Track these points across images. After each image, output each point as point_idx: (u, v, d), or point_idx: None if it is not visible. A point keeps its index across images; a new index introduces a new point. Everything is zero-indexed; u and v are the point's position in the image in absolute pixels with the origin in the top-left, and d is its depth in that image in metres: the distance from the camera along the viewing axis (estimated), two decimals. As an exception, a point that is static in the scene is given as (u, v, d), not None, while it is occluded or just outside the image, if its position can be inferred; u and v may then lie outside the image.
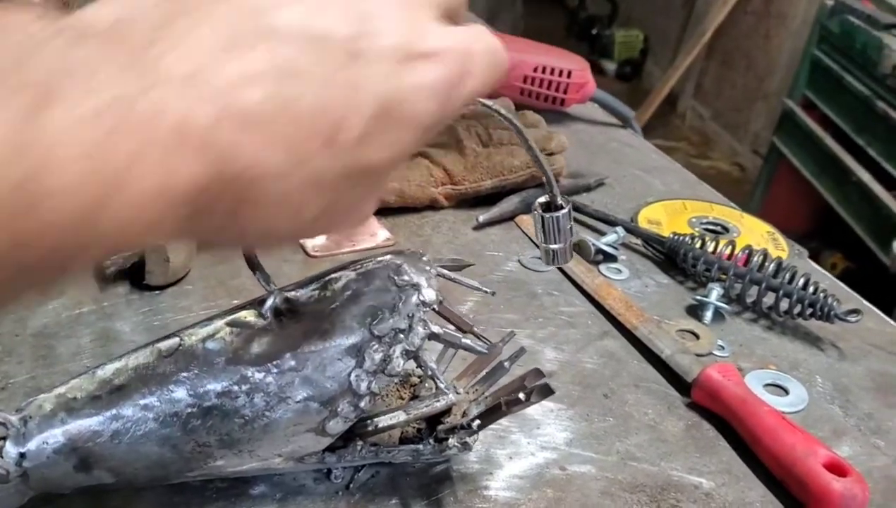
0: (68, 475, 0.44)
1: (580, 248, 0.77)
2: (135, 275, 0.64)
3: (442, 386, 0.45)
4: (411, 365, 0.45)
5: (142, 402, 0.43)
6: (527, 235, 0.80)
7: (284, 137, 0.27)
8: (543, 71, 1.03)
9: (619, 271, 0.77)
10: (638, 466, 0.55)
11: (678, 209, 0.89)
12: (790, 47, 3.17)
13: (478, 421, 0.48)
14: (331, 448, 0.47)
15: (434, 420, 0.51)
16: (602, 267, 0.77)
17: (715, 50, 3.85)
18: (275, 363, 0.44)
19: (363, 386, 0.44)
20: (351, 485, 0.50)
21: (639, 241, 0.82)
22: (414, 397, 0.53)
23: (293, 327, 0.44)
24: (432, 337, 0.45)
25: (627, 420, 0.59)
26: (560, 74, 1.03)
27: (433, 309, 0.45)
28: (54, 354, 0.57)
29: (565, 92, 1.03)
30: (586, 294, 0.72)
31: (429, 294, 0.45)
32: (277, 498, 0.48)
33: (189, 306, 0.63)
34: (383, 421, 0.49)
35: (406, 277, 0.45)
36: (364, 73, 0.29)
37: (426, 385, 0.54)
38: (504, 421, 0.57)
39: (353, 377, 0.44)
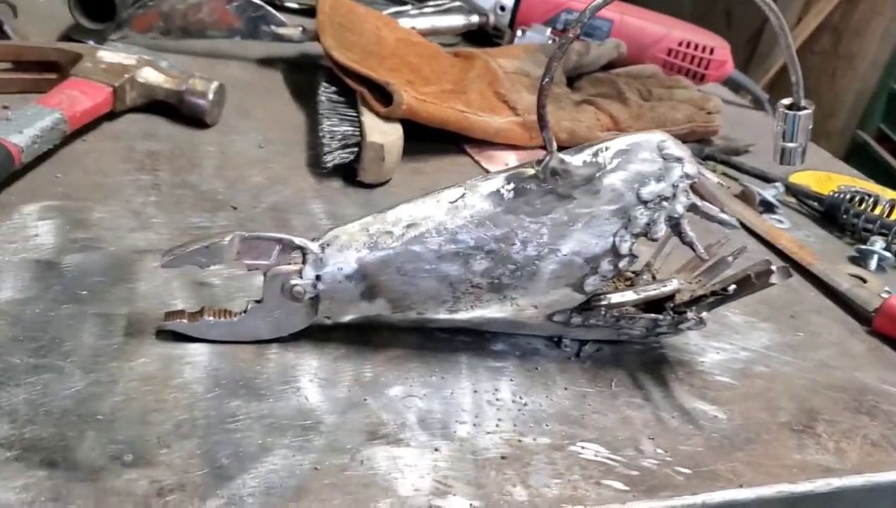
0: (353, 301, 0.48)
1: (745, 196, 0.80)
2: (348, 172, 0.69)
3: (700, 253, 0.49)
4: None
5: (429, 240, 0.47)
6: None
7: None
8: (688, 46, 1.07)
9: (781, 222, 0.80)
10: (834, 372, 0.58)
11: (824, 178, 0.92)
12: (857, 88, 3.19)
13: (718, 297, 0.51)
14: (577, 312, 0.51)
15: (656, 307, 0.54)
16: (765, 217, 0.80)
17: (778, 89, 3.87)
18: (549, 216, 0.48)
19: (625, 246, 0.48)
20: (580, 353, 0.54)
21: (793, 201, 0.85)
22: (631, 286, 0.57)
23: (566, 186, 0.48)
24: (693, 207, 0.49)
25: (815, 337, 0.62)
26: (703, 50, 1.07)
27: (692, 184, 0.49)
28: (291, 224, 0.61)
29: (706, 68, 1.07)
30: (756, 236, 0.76)
31: (691, 167, 0.49)
32: (517, 355, 0.52)
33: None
34: (615, 298, 0.53)
35: (670, 151, 0.49)
36: None
37: (643, 278, 0.57)
38: (709, 324, 0.60)
39: (617, 237, 0.48)
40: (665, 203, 0.48)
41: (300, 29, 0.87)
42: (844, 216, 0.79)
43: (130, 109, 0.72)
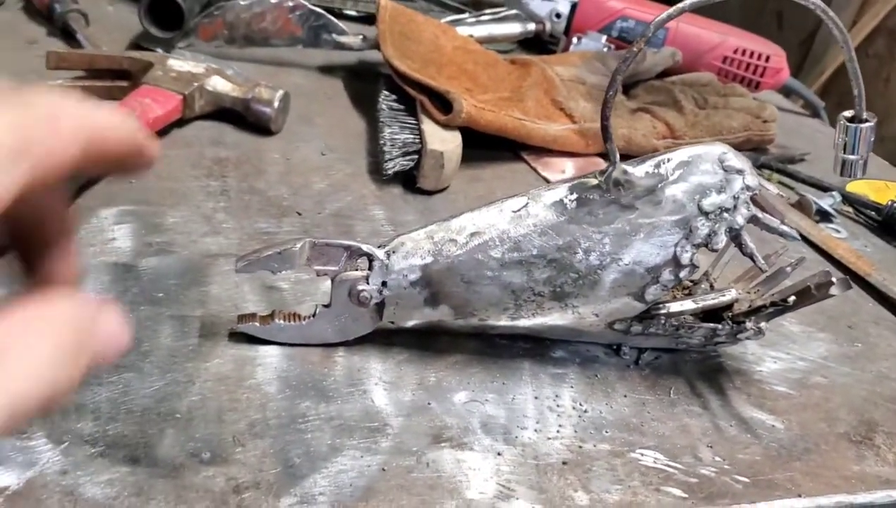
0: (417, 307, 0.49)
1: (802, 205, 0.80)
2: (407, 179, 0.70)
3: (760, 264, 0.49)
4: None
5: (492, 249, 0.48)
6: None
7: None
8: (743, 53, 1.07)
9: (838, 231, 0.80)
10: (892, 384, 0.58)
11: (881, 187, 0.91)
12: (913, 92, 3.12)
13: (778, 308, 0.52)
14: (637, 320, 0.52)
15: (714, 317, 0.55)
16: (822, 226, 0.80)
17: (830, 92, 3.81)
18: (611, 226, 0.49)
19: (686, 257, 0.49)
20: (639, 362, 0.54)
21: (850, 210, 0.85)
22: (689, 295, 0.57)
23: (629, 197, 0.49)
24: (753, 219, 0.49)
25: (874, 348, 0.62)
26: (759, 58, 1.06)
27: (753, 195, 0.49)
28: (354, 230, 0.63)
29: (762, 75, 1.07)
30: (812, 245, 0.76)
31: (752, 179, 0.49)
32: (577, 362, 0.53)
33: (458, 211, 0.69)
34: (674, 307, 0.53)
35: (731, 163, 0.49)
36: None
37: (701, 287, 0.58)
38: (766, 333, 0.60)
39: (678, 247, 0.49)
40: (726, 214, 0.49)
41: (361, 37, 0.89)
42: (904, 226, 0.79)
43: (199, 116, 0.74)
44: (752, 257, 0.49)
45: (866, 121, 0.51)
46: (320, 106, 0.83)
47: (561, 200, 0.49)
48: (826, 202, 0.81)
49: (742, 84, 1.07)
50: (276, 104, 0.73)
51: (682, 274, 0.49)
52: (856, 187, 0.90)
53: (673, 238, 0.49)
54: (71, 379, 0.23)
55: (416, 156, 0.70)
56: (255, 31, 0.87)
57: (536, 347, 0.54)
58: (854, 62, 0.50)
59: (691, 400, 0.52)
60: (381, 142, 0.71)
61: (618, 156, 0.49)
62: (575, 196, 0.49)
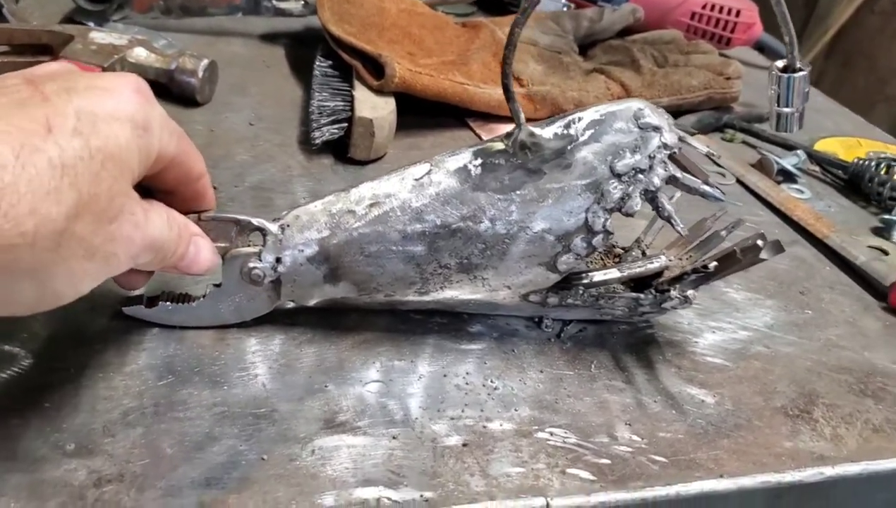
0: (316, 284, 0.46)
1: (762, 165, 0.76)
2: (339, 149, 0.67)
3: (679, 227, 0.46)
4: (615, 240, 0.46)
5: (393, 220, 0.45)
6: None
7: None
8: (712, 9, 1.02)
9: (801, 191, 0.76)
10: (841, 353, 0.55)
11: (853, 145, 0.87)
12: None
13: (700, 274, 0.48)
14: (553, 291, 0.49)
15: (644, 285, 0.51)
16: (783, 187, 0.76)
17: (836, 50, 3.71)
18: (518, 193, 0.45)
19: (599, 222, 0.46)
20: (561, 335, 0.51)
21: (817, 169, 0.81)
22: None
23: (536, 161, 0.45)
24: (671, 180, 0.46)
25: (825, 314, 0.59)
26: (729, 13, 1.02)
27: (672, 154, 0.46)
28: (273, 204, 0.60)
29: (732, 31, 1.02)
30: (770, 207, 0.72)
31: (670, 137, 0.46)
32: (494, 337, 0.50)
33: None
34: (597, 276, 0.50)
35: (648, 119, 0.46)
36: (50, 91, 0.34)
37: (632, 254, 0.55)
38: (704, 301, 0.57)
39: (590, 213, 0.46)
40: (641, 176, 0.45)
41: (301, 3, 0.85)
42: (869, 184, 0.75)
43: (123, 90, 0.71)
44: (669, 221, 0.46)
45: (800, 70, 0.47)
46: (256, 75, 0.80)
47: (465, 166, 0.46)
48: (790, 161, 0.77)
49: (712, 41, 1.03)
50: (200, 73, 0.70)
51: (596, 241, 0.46)
52: (826, 145, 0.86)
53: (584, 203, 0.46)
54: (175, 249, 0.40)
55: (345, 125, 0.66)
56: (192, 0, 0.83)
57: (453, 322, 0.51)
58: (782, 5, 0.46)
59: (614, 374, 0.49)
60: (310, 109, 0.68)
61: (522, 117, 0.45)
62: (480, 161, 0.46)
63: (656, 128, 0.46)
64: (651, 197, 0.46)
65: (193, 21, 0.85)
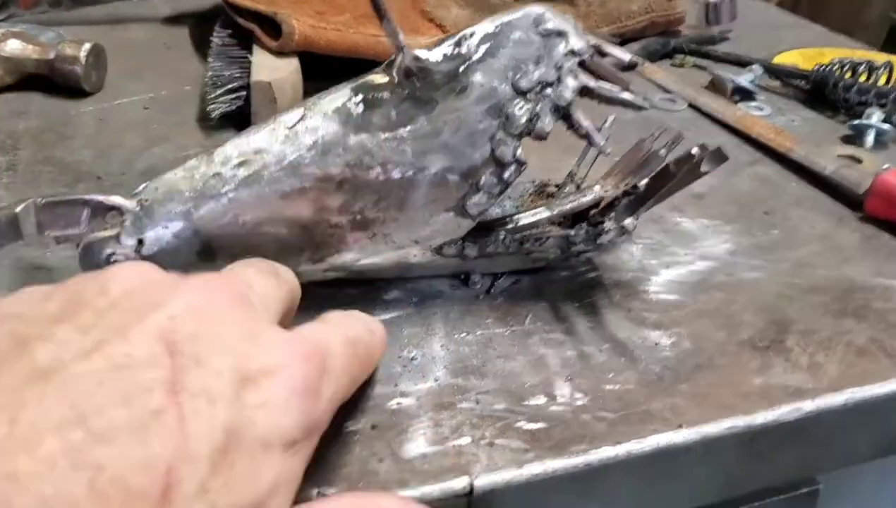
0: (191, 264, 0.40)
1: (715, 85, 0.69)
2: (243, 122, 0.61)
3: (597, 143, 0.39)
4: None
5: (267, 179, 0.39)
6: (651, 81, 0.74)
7: None
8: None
9: (760, 108, 0.69)
10: (815, 271, 0.48)
11: (814, 55, 0.80)
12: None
13: (631, 197, 0.42)
14: (470, 240, 0.42)
15: (580, 222, 0.45)
16: (740, 106, 0.69)
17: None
18: (408, 129, 0.39)
19: (508, 152, 0.39)
20: (492, 290, 0.45)
21: (776, 84, 0.74)
22: (554, 203, 0.47)
23: (426, 88, 0.39)
24: (584, 91, 0.39)
25: (794, 232, 0.52)
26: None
27: (582, 62, 0.39)
28: (165, 189, 0.53)
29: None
30: (727, 127, 0.65)
31: (578, 42, 0.39)
32: (414, 302, 0.44)
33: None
34: (525, 218, 0.44)
35: (550, 25, 0.39)
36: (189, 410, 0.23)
37: (564, 191, 0.48)
38: (656, 235, 0.51)
39: (495, 141, 0.39)
40: (548, 90, 0.39)
41: (202, -24, 0.79)
42: (834, 90, 0.68)
43: (3, 89, 0.64)
44: (587, 138, 0.39)
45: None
46: (155, 57, 0.73)
47: (344, 105, 0.39)
48: (745, 78, 0.71)
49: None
50: (83, 59, 0.63)
51: (507, 175, 0.40)
52: (786, 58, 0.79)
53: (487, 131, 0.39)
54: (367, 348, 0.34)
55: (244, 93, 0.60)
56: (81, -13, 0.77)
57: (368, 291, 0.44)
58: None
59: (552, 326, 0.42)
60: (204, 81, 0.61)
61: (401, 37, 0.39)
62: (360, 98, 0.39)
63: (560, 34, 0.39)
64: (564, 113, 0.39)
65: (89, 11, 0.78)
